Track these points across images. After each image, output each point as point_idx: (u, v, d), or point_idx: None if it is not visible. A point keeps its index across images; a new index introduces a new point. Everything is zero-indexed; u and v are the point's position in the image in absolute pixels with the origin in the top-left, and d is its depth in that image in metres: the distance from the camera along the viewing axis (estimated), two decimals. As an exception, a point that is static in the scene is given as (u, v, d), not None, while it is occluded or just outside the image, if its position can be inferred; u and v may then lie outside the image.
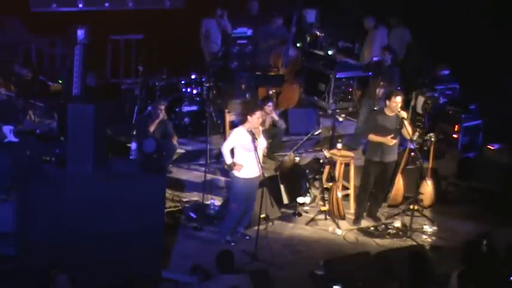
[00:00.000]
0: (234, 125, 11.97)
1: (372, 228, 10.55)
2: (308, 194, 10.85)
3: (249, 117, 9.55)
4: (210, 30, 13.84)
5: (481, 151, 12.50)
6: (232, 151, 9.64)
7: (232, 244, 9.76)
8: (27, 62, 13.07)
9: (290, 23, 13.61)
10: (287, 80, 13.53)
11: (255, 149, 9.48)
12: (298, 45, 14.71)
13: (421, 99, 13.00)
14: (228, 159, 9.62)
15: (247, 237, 9.93)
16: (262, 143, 9.76)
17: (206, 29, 13.84)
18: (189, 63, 13.35)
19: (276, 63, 13.62)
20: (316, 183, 11.36)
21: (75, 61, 11.94)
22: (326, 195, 10.72)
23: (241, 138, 9.53)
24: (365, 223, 10.67)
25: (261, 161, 9.63)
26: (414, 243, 10.17)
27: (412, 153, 10.84)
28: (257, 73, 13.71)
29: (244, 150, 9.53)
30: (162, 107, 11.25)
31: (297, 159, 11.19)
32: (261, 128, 9.83)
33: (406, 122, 10.28)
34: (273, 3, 14.45)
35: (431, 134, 11.11)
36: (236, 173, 9.62)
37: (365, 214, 10.76)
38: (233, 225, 9.89)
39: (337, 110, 12.54)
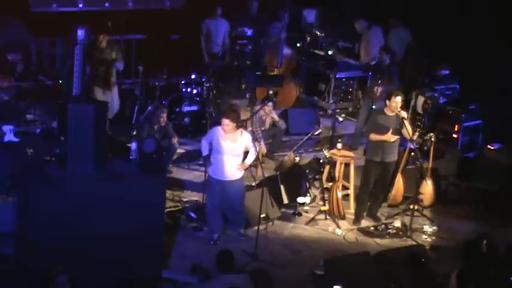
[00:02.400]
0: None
1: (372, 228, 10.55)
2: (308, 194, 10.85)
3: None
4: (210, 30, 13.84)
5: (481, 151, 12.51)
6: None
7: (212, 243, 9.72)
8: (27, 61, 13.06)
9: (281, 22, 13.66)
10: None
11: (227, 153, 9.49)
12: (298, 45, 14.73)
13: (421, 99, 13.01)
14: (203, 152, 9.74)
15: (242, 238, 9.91)
16: (235, 149, 9.57)
17: (207, 29, 13.85)
18: (189, 63, 13.36)
19: (271, 63, 13.64)
20: (316, 183, 11.36)
21: (75, 61, 11.93)
22: (326, 195, 10.72)
23: (213, 137, 9.57)
24: (365, 223, 10.67)
25: (239, 166, 9.62)
26: (414, 243, 10.17)
27: (412, 153, 10.85)
28: (257, 73, 13.72)
29: (214, 150, 9.60)
30: (164, 115, 11.25)
31: (297, 159, 11.19)
32: (243, 135, 9.65)
33: (406, 122, 10.29)
34: (273, 3, 14.45)
35: (431, 134, 11.12)
36: (207, 168, 9.75)
37: (365, 214, 10.76)
38: (210, 222, 9.84)
39: (337, 110, 12.53)
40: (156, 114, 11.24)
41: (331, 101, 13.97)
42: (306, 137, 11.83)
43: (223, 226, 9.93)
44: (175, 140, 11.31)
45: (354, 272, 8.81)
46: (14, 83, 12.07)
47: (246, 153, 9.80)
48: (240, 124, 9.66)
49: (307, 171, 11.16)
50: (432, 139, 11.01)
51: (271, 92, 13.07)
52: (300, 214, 10.77)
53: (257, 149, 11.51)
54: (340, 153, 10.95)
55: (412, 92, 13.19)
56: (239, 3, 14.69)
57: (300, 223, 10.62)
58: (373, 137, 10.34)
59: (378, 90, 12.29)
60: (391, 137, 10.21)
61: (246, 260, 9.43)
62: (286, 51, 13.67)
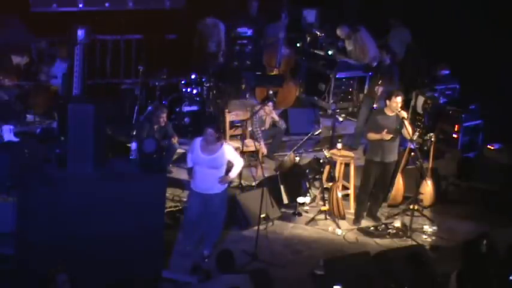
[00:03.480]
0: (234, 125, 12.01)
1: (372, 228, 10.55)
2: (308, 194, 10.85)
3: None
4: (203, 31, 13.80)
5: (481, 151, 12.51)
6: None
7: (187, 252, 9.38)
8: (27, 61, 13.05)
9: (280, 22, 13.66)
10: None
11: (205, 165, 9.15)
12: (298, 45, 14.73)
13: (421, 99, 13.01)
14: (187, 164, 9.48)
15: (206, 260, 9.34)
16: (213, 161, 9.14)
17: (200, 29, 13.82)
18: (189, 63, 13.35)
19: (269, 63, 13.63)
20: (316, 183, 11.35)
21: (75, 61, 11.96)
22: (326, 195, 10.72)
23: (194, 148, 9.26)
24: (365, 223, 10.67)
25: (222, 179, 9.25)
26: (414, 243, 10.17)
27: (412, 153, 10.85)
28: (257, 73, 13.73)
29: (194, 161, 9.29)
30: (164, 115, 11.23)
31: (297, 159, 11.18)
32: (223, 148, 9.21)
33: (406, 122, 10.29)
34: (273, 3, 14.45)
35: (431, 134, 11.12)
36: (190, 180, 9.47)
37: (365, 214, 10.76)
38: (185, 235, 9.54)
39: (337, 110, 12.54)
40: (156, 114, 11.23)
41: (331, 101, 13.96)
42: (306, 137, 11.83)
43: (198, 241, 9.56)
44: (175, 140, 11.30)
45: (354, 272, 8.81)
46: (17, 83, 12.06)
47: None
48: (219, 136, 9.19)
49: (307, 171, 11.16)
50: (432, 139, 11.02)
51: (271, 92, 13.07)
52: (300, 214, 10.77)
53: (254, 150, 11.55)
54: (340, 153, 10.95)
55: (412, 92, 13.20)
56: (239, 3, 14.69)
57: (300, 223, 10.62)
58: (371, 136, 10.35)
59: (379, 90, 12.29)
60: (386, 136, 10.19)
61: (246, 260, 9.43)
62: (285, 50, 13.66)
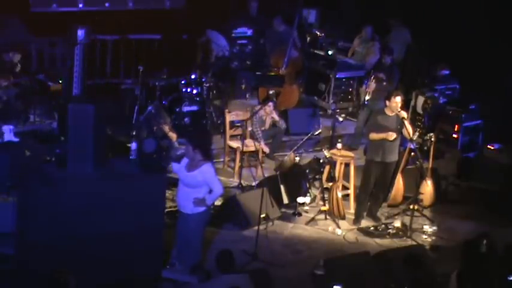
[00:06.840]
0: (234, 125, 12.02)
1: (372, 228, 10.55)
2: (308, 194, 10.85)
3: None
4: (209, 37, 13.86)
5: (481, 151, 12.52)
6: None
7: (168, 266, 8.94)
8: (27, 61, 13.05)
9: (292, 23, 13.62)
10: (287, 81, 13.55)
11: (181, 180, 8.64)
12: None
13: (421, 99, 13.02)
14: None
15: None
16: (187, 178, 8.52)
17: (207, 38, 13.85)
18: (189, 63, 13.37)
19: (276, 64, 13.63)
20: (316, 183, 11.36)
21: (75, 61, 11.97)
22: (326, 195, 10.72)
23: (183, 159, 8.67)
24: (365, 223, 10.68)
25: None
26: (414, 243, 10.17)
27: (412, 153, 10.85)
28: (257, 73, 13.72)
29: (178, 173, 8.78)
30: (166, 126, 11.21)
31: (297, 159, 11.18)
32: (203, 168, 8.45)
33: (406, 122, 10.30)
34: (273, 3, 14.45)
35: (431, 134, 11.12)
36: None
37: (365, 214, 10.76)
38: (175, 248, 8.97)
39: (337, 110, 12.54)
40: (157, 121, 11.24)
41: (331, 101, 13.97)
42: (306, 137, 11.82)
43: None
44: (174, 140, 11.29)
45: (354, 272, 8.81)
46: (13, 81, 12.05)
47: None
48: (202, 153, 8.47)
49: (307, 171, 11.17)
50: (432, 139, 11.02)
51: (271, 92, 13.08)
52: (300, 214, 10.77)
53: (256, 148, 11.56)
54: (340, 153, 10.95)
55: (412, 92, 13.21)
56: (239, 3, 14.69)
57: (300, 223, 10.62)
58: (373, 136, 10.35)
59: (371, 86, 12.29)
60: (390, 135, 10.20)
61: (246, 260, 9.43)
62: (293, 53, 13.64)
